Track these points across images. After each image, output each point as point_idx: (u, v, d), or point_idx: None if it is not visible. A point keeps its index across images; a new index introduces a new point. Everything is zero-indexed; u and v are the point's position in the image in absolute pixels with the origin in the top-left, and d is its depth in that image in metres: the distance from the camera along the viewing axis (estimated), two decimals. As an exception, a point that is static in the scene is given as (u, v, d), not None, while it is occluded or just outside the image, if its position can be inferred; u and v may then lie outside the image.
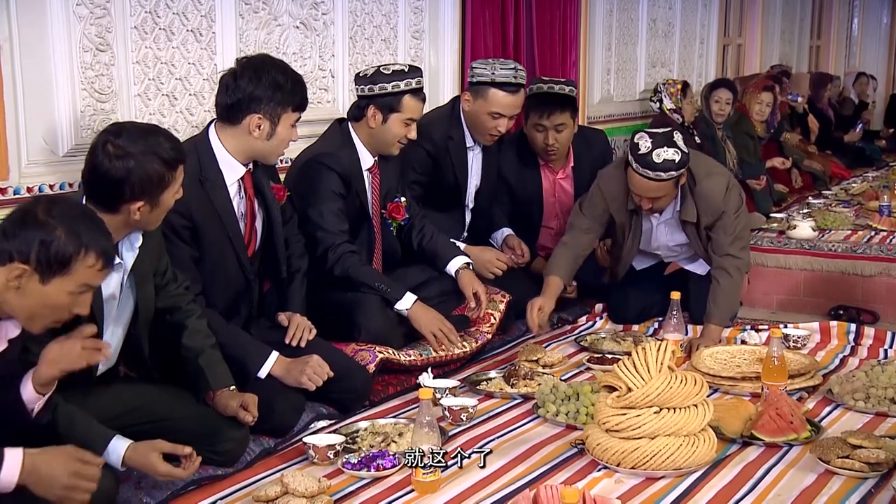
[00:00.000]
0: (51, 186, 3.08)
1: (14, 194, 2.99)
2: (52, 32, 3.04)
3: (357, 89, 3.58)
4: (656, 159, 3.63)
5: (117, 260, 2.54)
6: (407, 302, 3.48)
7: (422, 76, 3.61)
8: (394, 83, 3.50)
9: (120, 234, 2.55)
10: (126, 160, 2.42)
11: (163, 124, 3.37)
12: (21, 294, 2.10)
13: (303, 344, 3.13)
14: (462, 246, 4.03)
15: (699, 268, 4.18)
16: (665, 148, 3.64)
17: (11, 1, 2.92)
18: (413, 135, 3.61)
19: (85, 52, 3.14)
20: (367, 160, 3.62)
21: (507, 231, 4.29)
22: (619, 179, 3.91)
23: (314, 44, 4.06)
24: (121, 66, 3.27)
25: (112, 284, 2.57)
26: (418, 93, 3.57)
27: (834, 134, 8.60)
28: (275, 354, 3.00)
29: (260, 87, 2.96)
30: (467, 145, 4.11)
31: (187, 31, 3.50)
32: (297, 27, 3.98)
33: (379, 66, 3.57)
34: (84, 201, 2.50)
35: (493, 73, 3.95)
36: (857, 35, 11.68)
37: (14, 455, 2.05)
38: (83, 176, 2.52)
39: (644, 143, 3.66)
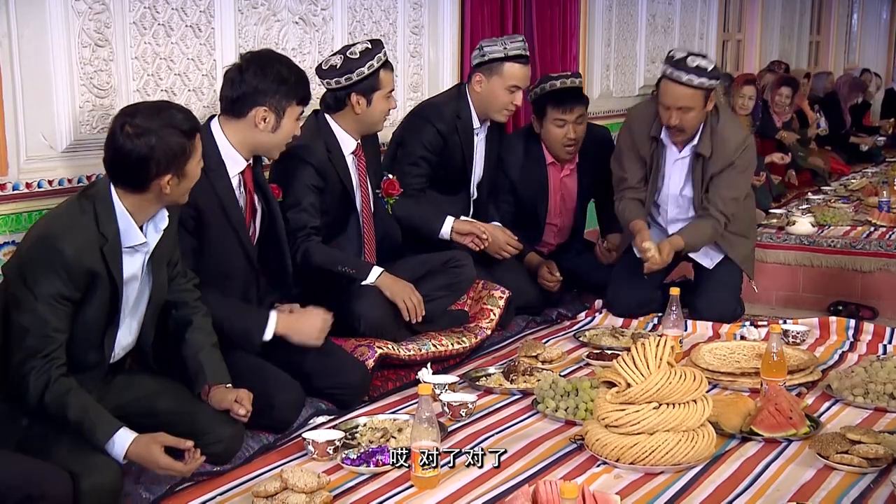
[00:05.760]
0: (49, 182, 3.08)
1: (13, 190, 2.99)
2: (51, 28, 3.03)
3: (327, 82, 3.54)
4: (690, 64, 3.82)
5: (143, 239, 2.57)
6: (373, 276, 3.48)
7: (383, 45, 3.61)
8: (368, 64, 3.50)
9: (149, 213, 2.59)
10: (147, 137, 2.46)
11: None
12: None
13: None
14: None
15: (705, 258, 4.17)
16: (698, 57, 3.84)
17: (10, -4, 2.92)
18: (394, 104, 3.66)
19: (84, 47, 3.14)
20: (349, 144, 3.61)
21: (496, 224, 4.27)
22: (646, 109, 4.14)
23: (313, 39, 4.05)
24: (120, 61, 3.26)
25: (135, 265, 2.59)
26: (388, 64, 3.59)
27: (842, 133, 8.58)
28: (274, 314, 3.04)
29: (265, 80, 3.00)
30: (474, 126, 4.13)
31: (186, 26, 3.49)
32: (297, 22, 3.97)
33: (343, 53, 3.53)
34: (112, 188, 2.52)
35: (504, 48, 4.01)
36: (857, 31, 11.68)
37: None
38: (106, 163, 2.54)
39: (678, 53, 3.89)
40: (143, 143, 2.46)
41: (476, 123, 4.14)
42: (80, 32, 3.11)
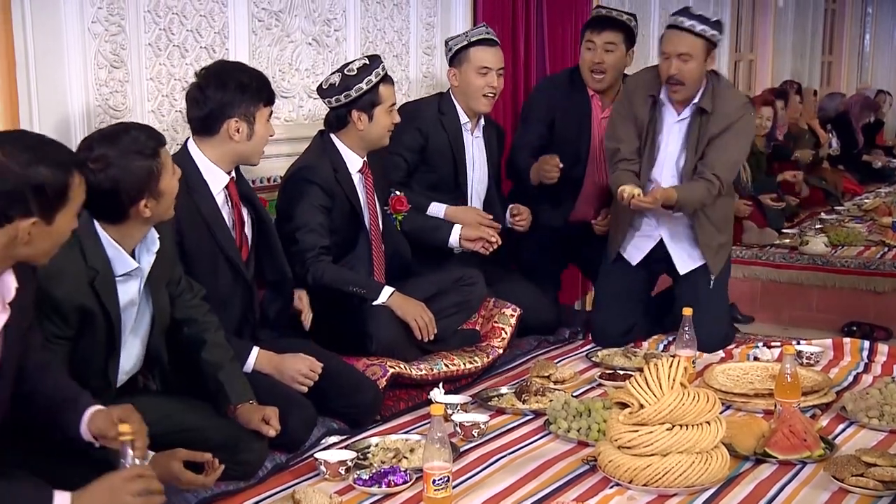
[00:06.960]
0: (65, 202, 3.10)
1: (28, 210, 3.01)
2: (68, 49, 3.06)
3: (328, 101, 3.58)
4: (693, 11, 3.90)
5: (135, 265, 2.55)
6: (384, 296, 3.48)
7: (381, 59, 3.62)
8: (366, 79, 3.52)
9: (137, 237, 2.56)
10: (109, 170, 2.42)
11: (176, 140, 3.39)
12: (31, 244, 2.01)
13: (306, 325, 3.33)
14: (444, 207, 4.06)
15: (683, 258, 4.04)
16: (701, 11, 3.95)
17: (27, 18, 2.94)
18: (397, 118, 3.67)
19: (100, 68, 3.17)
20: (356, 163, 3.63)
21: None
22: (644, 74, 4.11)
23: (326, 60, 4.07)
24: (135, 82, 3.29)
25: (131, 291, 2.57)
26: (388, 78, 3.61)
27: (854, 153, 8.57)
28: (256, 349, 3.03)
29: (228, 92, 3.01)
30: (462, 121, 4.14)
31: (201, 47, 3.52)
32: (310, 43, 4.00)
33: (342, 71, 3.56)
34: (94, 221, 2.49)
35: (467, 37, 4.11)
36: (870, 50, 11.66)
37: (62, 499, 1.99)
38: None
39: (681, 8, 3.99)
40: (106, 176, 2.41)
41: (463, 118, 4.15)
42: (96, 54, 3.14)
